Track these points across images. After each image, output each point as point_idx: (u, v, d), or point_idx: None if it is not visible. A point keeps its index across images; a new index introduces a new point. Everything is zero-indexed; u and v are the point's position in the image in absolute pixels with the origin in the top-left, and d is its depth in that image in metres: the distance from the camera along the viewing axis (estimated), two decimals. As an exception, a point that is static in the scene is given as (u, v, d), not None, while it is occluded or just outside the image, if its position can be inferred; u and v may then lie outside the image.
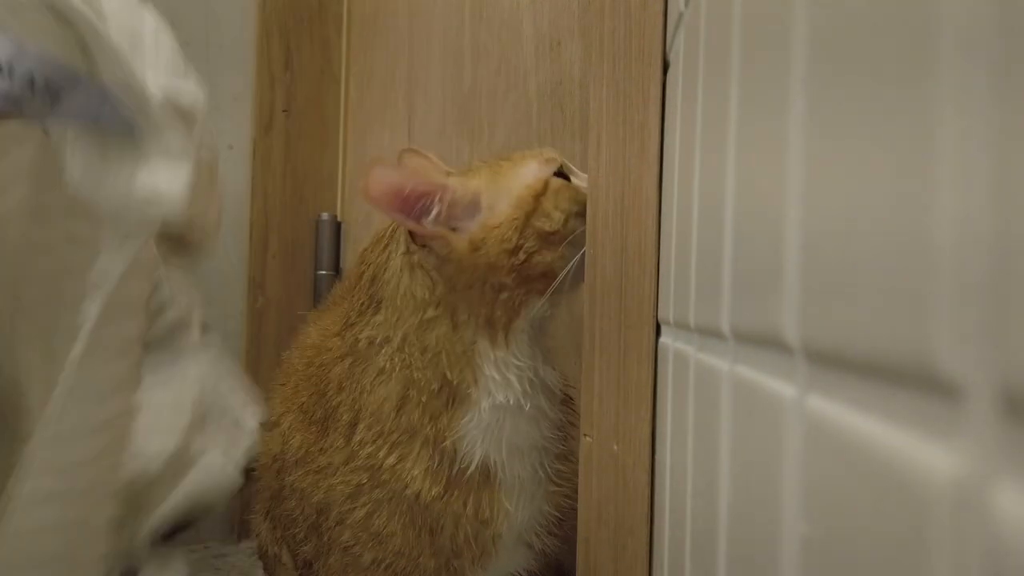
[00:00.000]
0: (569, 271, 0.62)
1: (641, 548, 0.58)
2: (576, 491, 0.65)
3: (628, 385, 0.59)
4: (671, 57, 0.57)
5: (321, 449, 0.67)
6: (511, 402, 0.62)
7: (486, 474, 0.63)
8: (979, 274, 0.14)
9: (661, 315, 0.57)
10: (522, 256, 0.61)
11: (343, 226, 1.23)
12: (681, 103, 0.51)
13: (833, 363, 0.22)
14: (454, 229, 0.64)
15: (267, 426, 0.76)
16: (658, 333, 0.58)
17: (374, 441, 0.64)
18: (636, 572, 0.58)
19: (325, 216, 1.22)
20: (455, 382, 0.62)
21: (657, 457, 0.57)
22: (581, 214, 0.62)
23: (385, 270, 0.66)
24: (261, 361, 1.19)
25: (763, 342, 0.28)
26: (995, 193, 0.14)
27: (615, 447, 0.59)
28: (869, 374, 0.19)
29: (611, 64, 0.60)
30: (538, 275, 0.62)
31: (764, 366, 0.28)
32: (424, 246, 0.64)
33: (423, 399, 0.63)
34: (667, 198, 0.56)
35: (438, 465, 0.63)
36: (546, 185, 0.64)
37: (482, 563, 0.65)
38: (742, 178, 0.32)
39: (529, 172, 0.65)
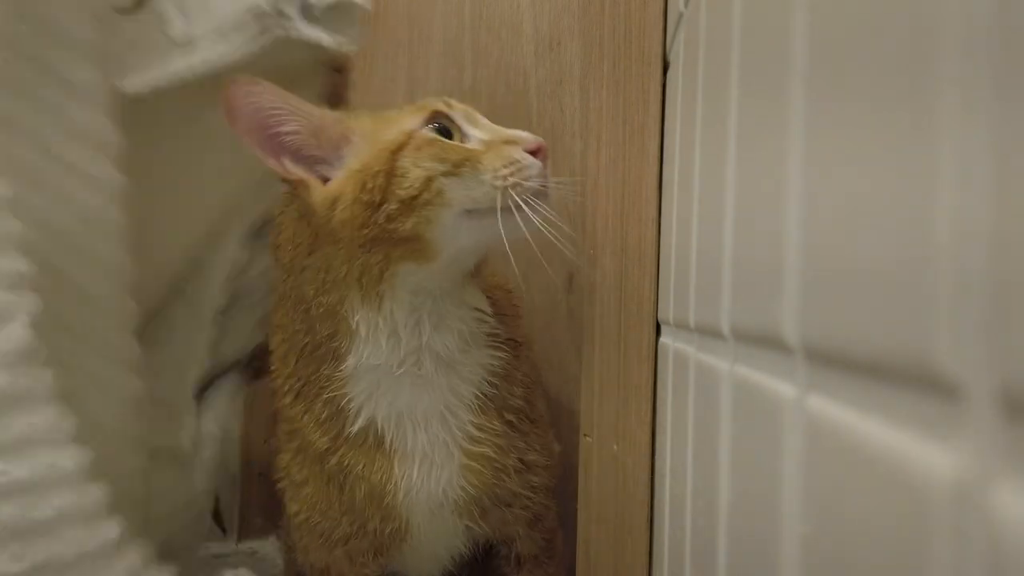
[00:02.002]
0: (458, 244, 0.56)
1: (641, 548, 0.58)
2: (525, 463, 0.62)
3: (628, 385, 0.59)
4: (671, 57, 0.57)
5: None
6: (383, 365, 0.58)
7: (378, 437, 0.60)
8: (979, 274, 0.14)
9: (661, 315, 0.57)
10: (380, 218, 0.55)
11: (343, 226, 1.23)
12: (681, 103, 0.51)
13: (833, 363, 0.22)
14: (322, 177, 0.58)
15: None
16: (658, 333, 0.58)
17: (284, 391, 0.63)
18: (636, 572, 0.58)
19: (325, 216, 1.22)
20: (325, 334, 0.59)
21: (657, 457, 0.57)
22: (453, 174, 0.55)
23: (282, 214, 0.62)
24: (261, 361, 1.19)
25: (763, 342, 0.28)
26: (995, 193, 0.14)
27: (615, 447, 0.59)
28: (869, 374, 0.19)
29: (611, 64, 0.60)
30: (399, 240, 0.55)
31: (764, 366, 0.28)
32: (294, 190, 0.59)
33: (306, 350, 0.60)
34: (667, 198, 0.56)
35: (327, 418, 0.61)
36: (408, 138, 0.56)
37: (399, 535, 0.63)
38: (742, 178, 0.32)
39: (407, 123, 0.58)
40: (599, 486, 0.60)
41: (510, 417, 0.62)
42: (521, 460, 0.62)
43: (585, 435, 0.61)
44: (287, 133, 0.57)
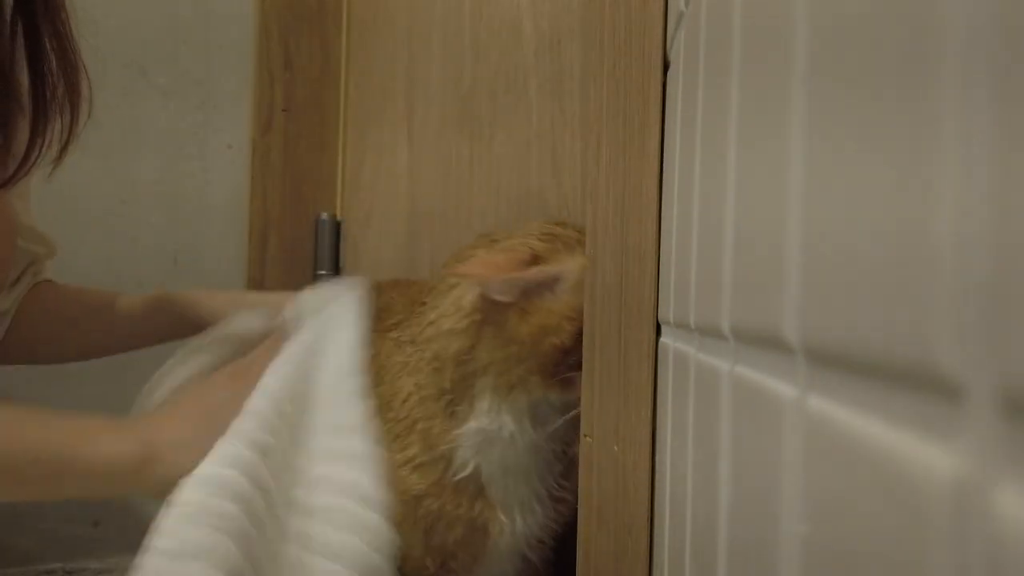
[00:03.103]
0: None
1: (641, 548, 0.58)
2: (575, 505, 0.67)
3: (628, 385, 0.59)
4: (671, 56, 0.57)
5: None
6: (499, 431, 0.67)
7: (479, 486, 0.67)
8: (979, 274, 0.14)
9: (661, 315, 0.57)
10: (561, 354, 0.64)
11: (343, 226, 1.23)
12: (681, 103, 0.51)
13: (833, 363, 0.22)
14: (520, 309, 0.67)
15: None
16: (658, 333, 0.58)
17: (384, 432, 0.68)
18: (636, 572, 0.58)
19: (325, 216, 1.22)
20: (451, 395, 0.66)
21: (657, 458, 0.57)
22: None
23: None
24: (261, 361, 1.19)
25: (764, 342, 0.28)
26: (996, 193, 0.14)
27: (615, 448, 0.59)
28: (870, 374, 0.19)
29: (611, 64, 0.60)
30: (555, 367, 0.65)
31: (764, 366, 0.28)
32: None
33: (423, 396, 0.67)
34: (667, 198, 0.56)
35: (430, 462, 0.66)
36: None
37: (476, 568, 0.68)
38: (742, 178, 0.32)
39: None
40: (599, 486, 0.60)
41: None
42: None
43: (585, 435, 0.61)
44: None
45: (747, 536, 0.30)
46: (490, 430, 0.66)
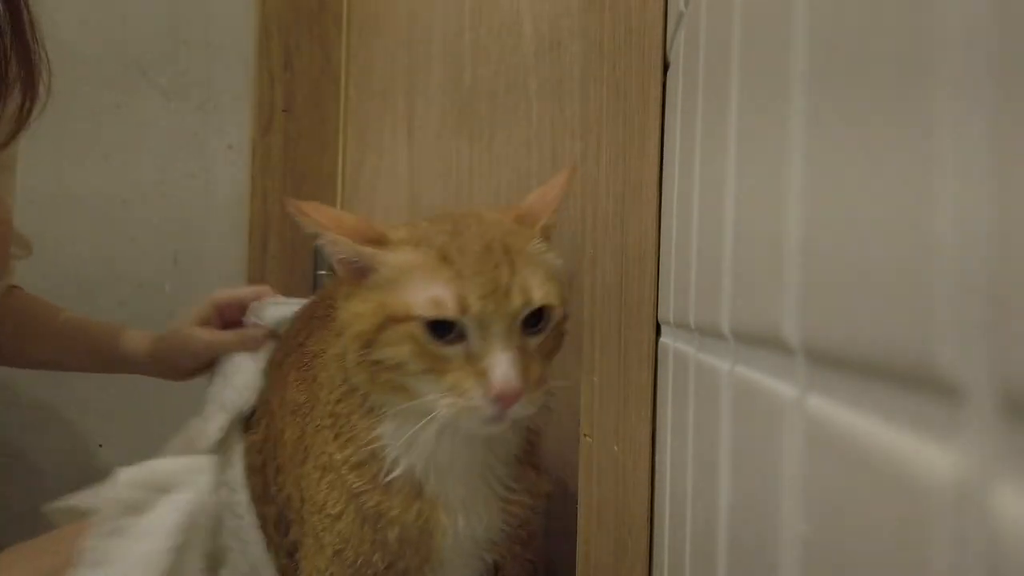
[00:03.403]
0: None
1: (641, 548, 0.58)
2: (535, 501, 0.67)
3: (628, 385, 0.59)
4: (671, 57, 0.57)
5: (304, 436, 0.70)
6: (420, 428, 0.60)
7: (417, 486, 0.63)
8: (979, 274, 0.14)
9: (661, 315, 0.57)
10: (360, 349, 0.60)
11: (343, 226, 1.23)
12: (681, 103, 0.51)
13: (833, 363, 0.22)
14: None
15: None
16: (658, 333, 0.58)
17: (325, 426, 0.66)
18: (636, 572, 0.58)
19: (325, 216, 1.22)
20: (362, 391, 0.63)
21: (657, 458, 0.57)
22: (413, 374, 0.59)
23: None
24: (261, 361, 1.19)
25: (763, 342, 0.28)
26: (995, 193, 0.14)
27: (615, 448, 0.59)
28: (869, 374, 0.19)
29: (611, 64, 0.60)
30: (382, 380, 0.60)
31: (764, 366, 0.28)
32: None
33: (343, 391, 0.64)
34: (667, 198, 0.56)
35: (363, 462, 0.64)
36: (405, 318, 0.58)
37: (428, 570, 0.66)
38: (742, 178, 0.32)
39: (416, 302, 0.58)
40: (599, 486, 0.60)
41: (535, 460, 0.69)
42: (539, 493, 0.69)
43: (585, 435, 0.61)
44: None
45: (747, 536, 0.30)
46: (409, 427, 0.60)
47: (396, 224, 0.64)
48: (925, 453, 0.16)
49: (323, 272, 1.21)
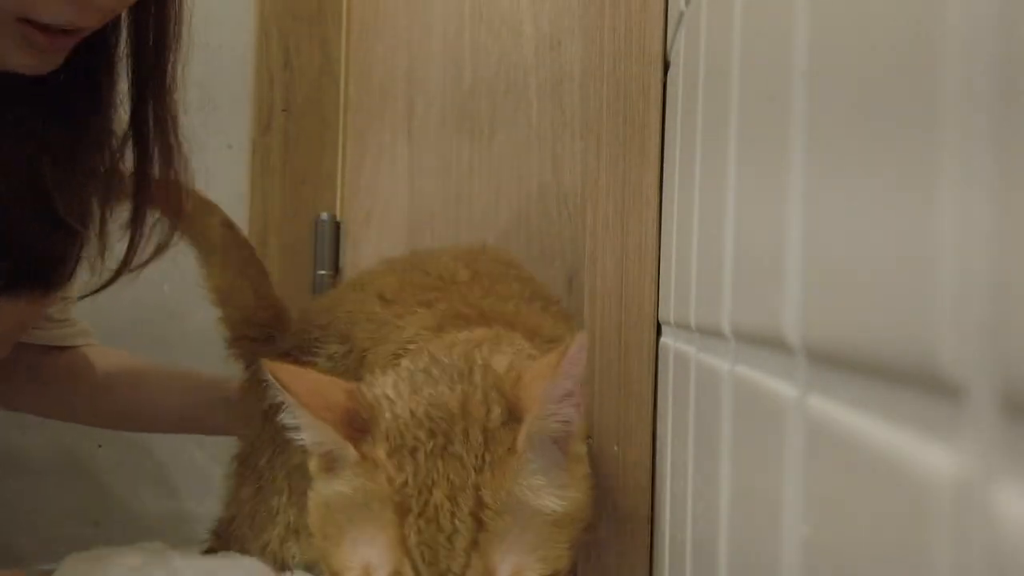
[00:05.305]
0: None
1: (642, 548, 0.58)
2: None
3: (628, 385, 0.59)
4: (671, 57, 0.57)
5: None
6: None
7: None
8: (980, 275, 0.14)
9: (662, 315, 0.57)
10: None
11: (342, 226, 1.23)
12: (682, 103, 0.51)
13: (834, 363, 0.22)
14: None
15: None
16: (659, 333, 0.58)
17: None
18: (637, 572, 0.58)
19: (324, 216, 1.22)
20: None
21: (658, 457, 0.57)
22: None
23: None
24: (261, 361, 1.19)
25: (764, 342, 0.28)
26: (995, 193, 0.14)
27: (615, 447, 0.59)
28: (870, 374, 0.19)
29: (611, 64, 0.60)
30: None
31: (765, 366, 0.28)
32: None
33: None
34: (667, 198, 0.56)
35: None
36: None
37: None
38: (743, 178, 0.32)
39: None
40: (600, 486, 0.60)
41: None
42: None
43: (586, 435, 0.61)
44: None
45: (748, 536, 0.30)
46: None
47: (385, 380, 0.52)
48: (926, 453, 0.16)
49: (323, 272, 1.21)
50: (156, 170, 0.70)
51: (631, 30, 0.59)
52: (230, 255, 0.86)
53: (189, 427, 0.89)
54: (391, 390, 0.50)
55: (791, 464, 0.24)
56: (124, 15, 0.63)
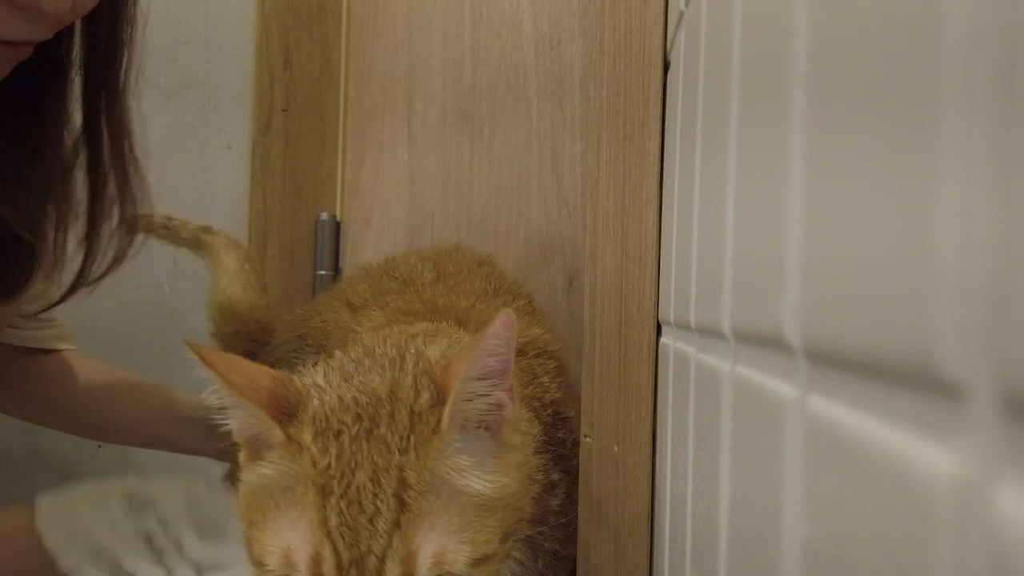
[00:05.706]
0: None
1: (642, 549, 0.58)
2: None
3: (628, 385, 0.59)
4: (672, 56, 0.57)
5: None
6: None
7: None
8: (980, 274, 0.14)
9: (662, 315, 0.57)
10: None
11: (342, 226, 1.23)
12: (682, 103, 0.51)
13: (834, 363, 0.22)
14: None
15: None
16: (659, 333, 0.58)
17: None
18: (637, 573, 0.58)
19: (324, 216, 1.22)
20: None
21: (658, 458, 0.57)
22: None
23: None
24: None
25: (764, 342, 0.28)
26: (995, 193, 0.14)
27: (615, 447, 0.59)
28: (870, 374, 0.19)
29: (611, 63, 0.60)
30: None
31: (765, 366, 0.28)
32: None
33: None
34: (667, 198, 0.56)
35: None
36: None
37: None
38: (743, 178, 0.32)
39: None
40: (599, 487, 0.60)
41: None
42: None
43: (585, 435, 0.61)
44: None
45: (748, 536, 0.30)
46: None
47: (322, 368, 0.52)
48: (925, 453, 0.16)
49: (323, 272, 1.21)
50: (110, 181, 0.68)
51: (631, 30, 0.59)
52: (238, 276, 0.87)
53: (163, 445, 0.88)
54: (321, 379, 0.50)
55: (791, 464, 0.24)
56: (77, 22, 0.61)
